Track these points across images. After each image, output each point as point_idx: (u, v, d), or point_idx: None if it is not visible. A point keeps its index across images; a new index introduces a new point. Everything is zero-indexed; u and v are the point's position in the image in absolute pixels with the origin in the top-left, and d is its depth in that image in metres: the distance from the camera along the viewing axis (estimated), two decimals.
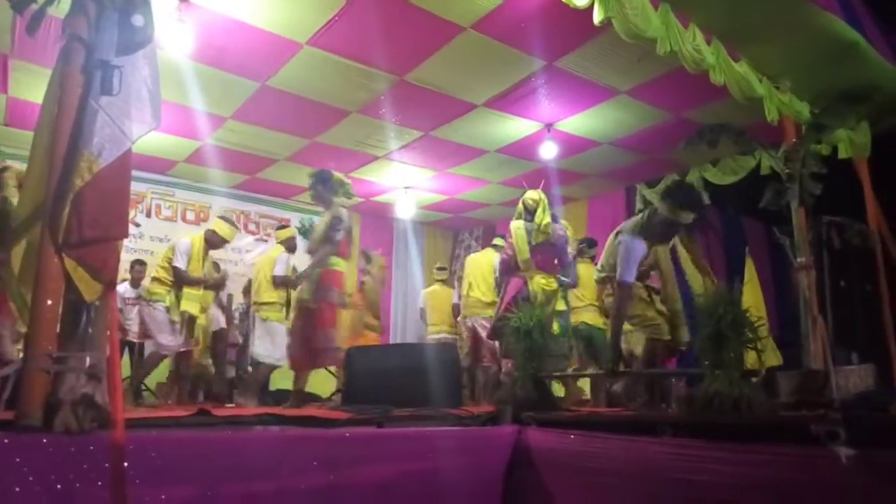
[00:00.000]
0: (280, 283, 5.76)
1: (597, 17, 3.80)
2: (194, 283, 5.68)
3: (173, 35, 4.48)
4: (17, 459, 1.87)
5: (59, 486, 1.92)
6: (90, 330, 2.21)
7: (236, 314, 7.04)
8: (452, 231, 10.68)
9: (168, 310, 5.54)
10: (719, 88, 4.44)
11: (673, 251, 4.40)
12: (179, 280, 5.61)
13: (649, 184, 7.72)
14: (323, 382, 6.59)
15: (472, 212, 9.57)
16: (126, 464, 2.00)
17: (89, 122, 2.21)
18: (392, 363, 4.56)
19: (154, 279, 5.72)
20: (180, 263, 5.60)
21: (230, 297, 6.87)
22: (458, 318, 7.30)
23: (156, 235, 8.08)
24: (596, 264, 5.17)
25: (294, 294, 5.56)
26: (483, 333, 6.14)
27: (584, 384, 6.33)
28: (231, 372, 6.82)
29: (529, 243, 5.19)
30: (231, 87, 5.63)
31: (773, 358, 5.11)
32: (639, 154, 7.07)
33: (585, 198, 8.66)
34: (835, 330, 4.03)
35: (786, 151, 4.44)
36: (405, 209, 8.67)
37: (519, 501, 3.25)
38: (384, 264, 7.10)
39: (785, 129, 4.90)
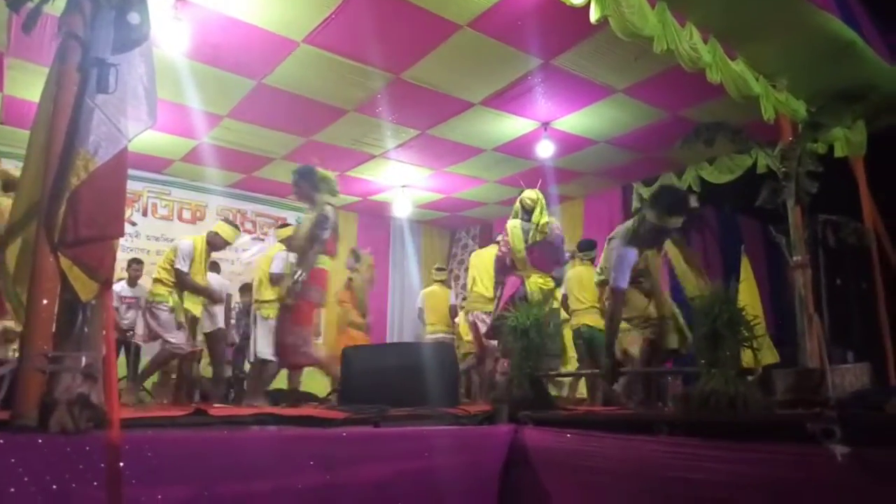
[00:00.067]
0: (276, 280, 5.74)
1: (593, 15, 3.81)
2: (195, 290, 5.71)
3: (169, 33, 4.47)
4: (13, 460, 1.86)
5: (54, 487, 1.91)
6: (86, 329, 2.20)
7: (233, 314, 7.03)
8: (449, 230, 10.68)
9: (172, 310, 5.55)
10: (716, 87, 4.46)
11: (665, 254, 4.42)
12: (181, 284, 5.63)
13: (646, 182, 7.74)
14: (320, 382, 6.58)
15: (468, 210, 9.57)
16: (122, 464, 1.99)
17: (85, 120, 2.20)
18: (388, 362, 4.54)
19: (156, 280, 5.72)
20: (182, 266, 5.61)
21: (228, 296, 6.86)
22: (456, 319, 7.30)
23: (152, 234, 8.09)
24: (595, 266, 5.18)
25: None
26: (482, 328, 6.13)
27: (581, 383, 6.34)
28: (228, 372, 6.81)
29: (526, 242, 5.18)
30: (227, 85, 5.63)
31: (770, 355, 5.13)
32: (635, 153, 7.07)
33: (582, 196, 8.67)
34: (831, 328, 4.03)
35: (782, 150, 4.44)
36: (402, 208, 8.67)
37: (515, 500, 3.25)
38: (373, 263, 7.11)
39: (781, 128, 4.92)
